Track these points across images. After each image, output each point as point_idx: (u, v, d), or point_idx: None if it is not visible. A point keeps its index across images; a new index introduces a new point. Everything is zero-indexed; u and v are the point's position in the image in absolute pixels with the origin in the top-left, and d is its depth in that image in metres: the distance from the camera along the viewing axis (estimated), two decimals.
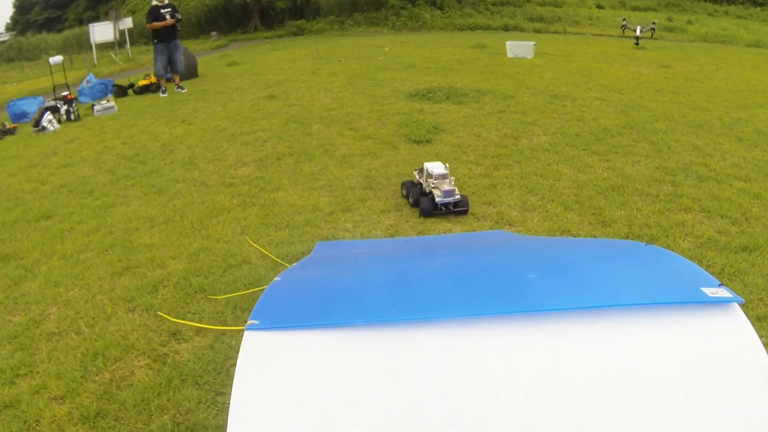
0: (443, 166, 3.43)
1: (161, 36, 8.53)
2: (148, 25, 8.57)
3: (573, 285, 1.23)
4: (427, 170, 3.43)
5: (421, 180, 3.52)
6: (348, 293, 1.30)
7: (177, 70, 8.88)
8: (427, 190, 3.42)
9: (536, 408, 0.91)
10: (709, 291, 1.10)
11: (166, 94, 8.57)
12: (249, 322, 1.06)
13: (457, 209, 3.31)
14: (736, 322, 1.03)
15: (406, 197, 3.60)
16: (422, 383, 0.95)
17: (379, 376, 0.96)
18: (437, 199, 3.27)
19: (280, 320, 1.09)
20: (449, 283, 1.29)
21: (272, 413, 0.89)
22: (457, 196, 3.30)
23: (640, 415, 0.89)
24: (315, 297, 1.30)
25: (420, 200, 3.36)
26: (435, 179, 3.34)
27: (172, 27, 8.56)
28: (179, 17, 8.68)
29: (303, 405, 0.90)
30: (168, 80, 8.93)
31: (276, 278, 1.46)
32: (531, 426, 0.89)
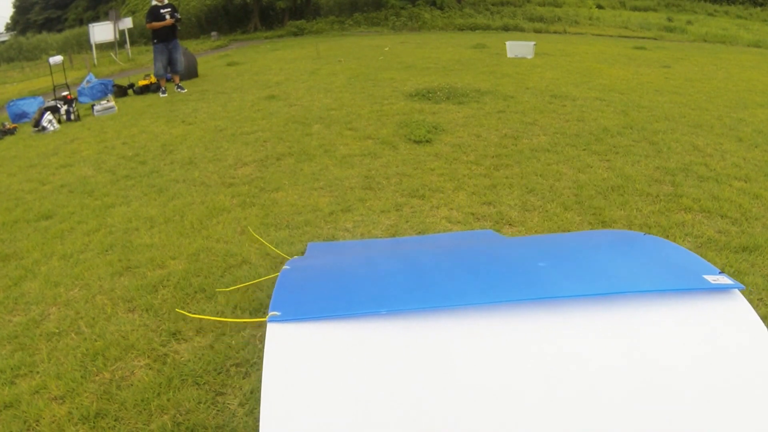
0: None
1: (161, 36, 8.53)
2: (148, 25, 8.58)
3: (583, 272, 1.25)
4: None
5: None
6: (364, 281, 1.29)
7: (177, 70, 8.88)
8: None
9: (559, 393, 0.93)
10: (711, 278, 1.14)
11: (166, 94, 8.57)
12: (270, 313, 1.03)
13: None
14: (738, 307, 1.08)
15: None
16: (449, 372, 0.96)
17: (406, 365, 0.96)
18: None
19: (302, 310, 1.07)
20: (463, 272, 1.29)
21: (303, 405, 0.89)
22: None
23: (656, 398, 0.93)
24: (332, 285, 1.28)
25: None
26: None
27: (172, 27, 8.56)
28: (179, 17, 8.68)
29: (333, 396, 0.90)
30: (168, 80, 8.93)
31: (285, 266, 1.43)
32: (556, 410, 0.92)
